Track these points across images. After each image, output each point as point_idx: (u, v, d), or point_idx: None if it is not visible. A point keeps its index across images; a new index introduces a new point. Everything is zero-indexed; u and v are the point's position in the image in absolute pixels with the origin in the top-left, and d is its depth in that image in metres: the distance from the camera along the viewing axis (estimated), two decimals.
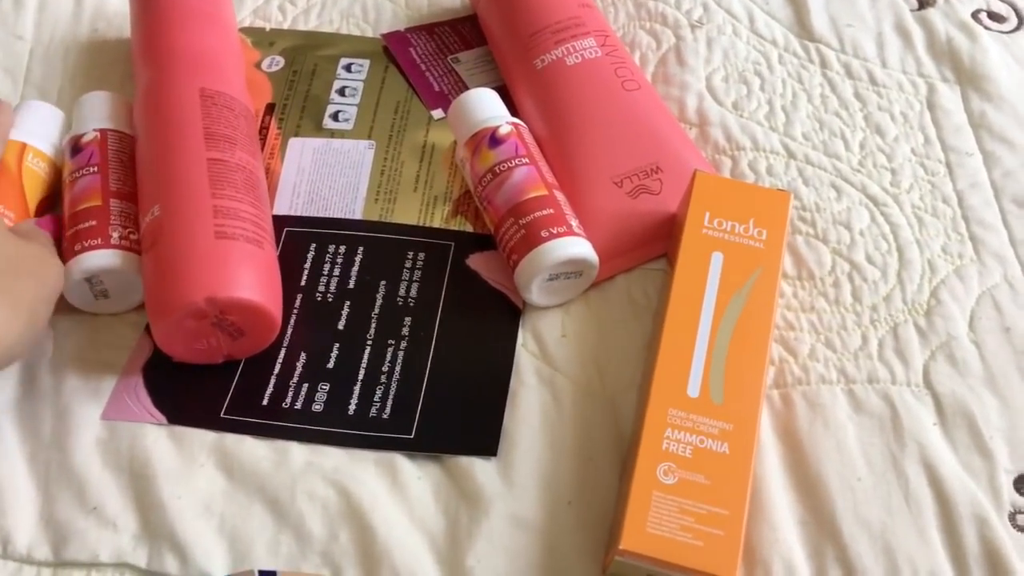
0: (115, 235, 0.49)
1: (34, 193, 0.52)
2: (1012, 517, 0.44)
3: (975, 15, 0.65)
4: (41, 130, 0.55)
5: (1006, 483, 0.45)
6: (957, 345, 0.49)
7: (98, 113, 0.54)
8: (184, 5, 0.57)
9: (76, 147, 0.53)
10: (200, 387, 0.48)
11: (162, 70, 0.54)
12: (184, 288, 0.44)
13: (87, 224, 0.49)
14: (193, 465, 0.45)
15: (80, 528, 0.43)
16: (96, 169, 0.51)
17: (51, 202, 0.54)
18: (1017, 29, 0.65)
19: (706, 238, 0.48)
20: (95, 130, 0.53)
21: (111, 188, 0.51)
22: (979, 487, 0.44)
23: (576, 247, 0.49)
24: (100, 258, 0.48)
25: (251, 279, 0.46)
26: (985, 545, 0.42)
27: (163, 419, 0.47)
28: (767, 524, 0.43)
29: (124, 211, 0.50)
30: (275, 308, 0.47)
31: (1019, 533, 0.43)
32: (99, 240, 0.49)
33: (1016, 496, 0.44)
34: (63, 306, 0.51)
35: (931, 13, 0.65)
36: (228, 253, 0.46)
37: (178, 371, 0.48)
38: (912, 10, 0.66)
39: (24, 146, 0.53)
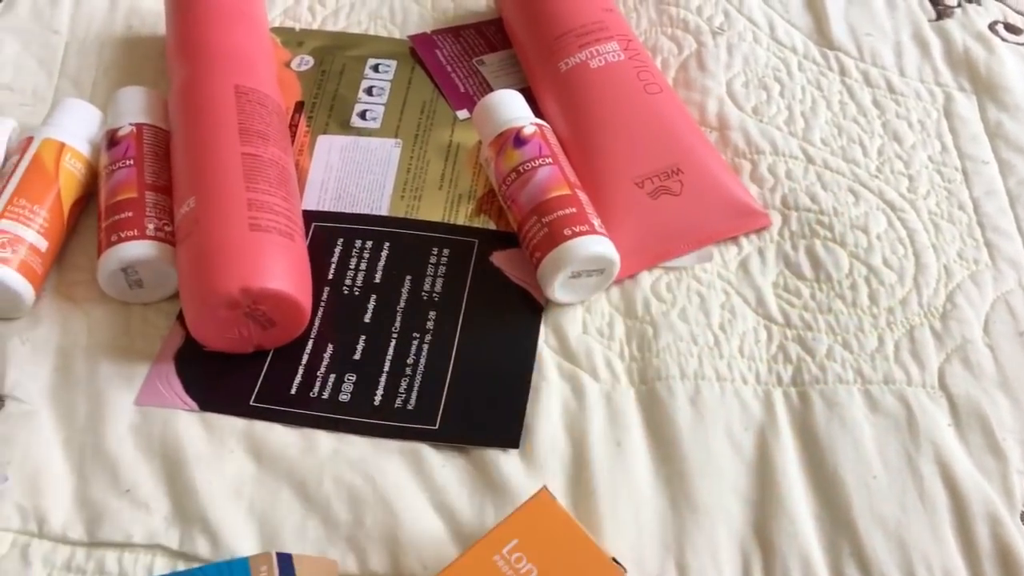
0: (151, 227, 0.50)
1: (70, 194, 0.53)
2: None
3: (992, 26, 0.66)
4: (79, 130, 0.56)
5: (1018, 483, 0.46)
6: (972, 348, 0.50)
7: (134, 107, 0.56)
8: (219, 4, 0.58)
9: (112, 141, 0.54)
10: (230, 375, 0.49)
11: (198, 67, 0.55)
12: (219, 278, 0.46)
13: (123, 215, 0.51)
14: (223, 450, 0.46)
15: (114, 509, 0.44)
16: (132, 162, 0.53)
17: (85, 202, 0.55)
18: None
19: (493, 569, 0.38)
20: (131, 124, 0.55)
21: (146, 181, 0.52)
22: (992, 487, 0.45)
23: (598, 245, 0.50)
24: (136, 249, 0.50)
25: (283, 271, 0.47)
26: (997, 543, 0.43)
27: (195, 406, 0.48)
28: (786, 516, 0.44)
29: (159, 203, 0.52)
30: (305, 300, 0.48)
31: None
32: (135, 231, 0.50)
33: None
34: (97, 296, 0.52)
35: (949, 24, 0.66)
36: (262, 245, 0.47)
37: (209, 360, 0.50)
38: (930, 20, 0.67)
39: (62, 146, 0.54)
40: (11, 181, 0.52)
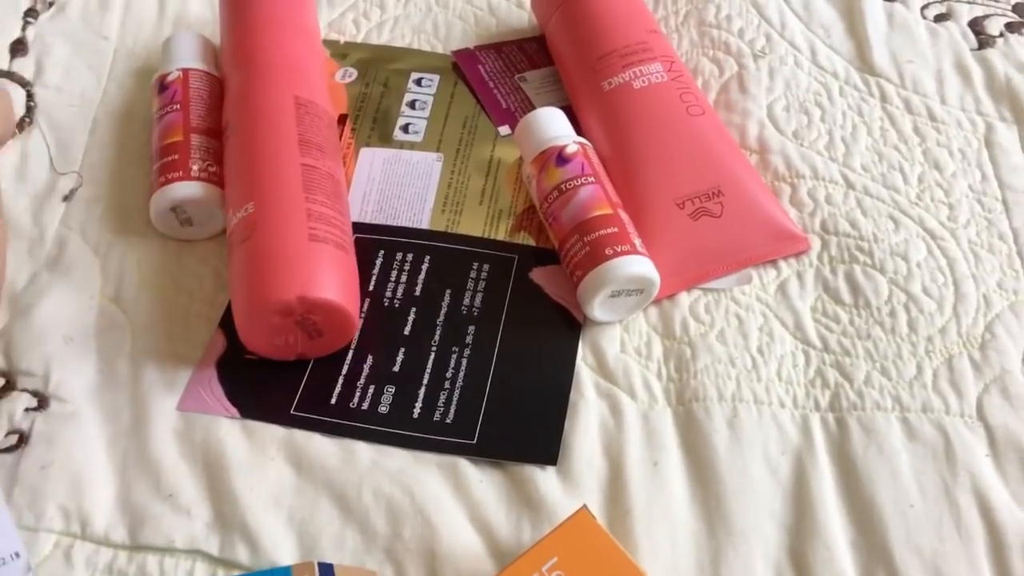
0: (195, 168, 0.54)
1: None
2: None
3: None
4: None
5: None
6: (1011, 379, 0.50)
7: (182, 53, 0.60)
8: (276, 14, 0.60)
9: (162, 86, 0.58)
10: (271, 384, 0.50)
11: (257, 75, 0.56)
12: (277, 284, 0.46)
13: (170, 158, 0.54)
14: (264, 458, 0.47)
15: (156, 514, 0.45)
16: (179, 107, 0.56)
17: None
18: None
19: None
20: (178, 69, 0.58)
21: (192, 124, 0.56)
22: None
23: (639, 266, 0.50)
24: (183, 189, 0.53)
25: (339, 282, 0.48)
26: None
27: (236, 413, 0.49)
28: (822, 543, 0.44)
29: (204, 145, 0.55)
30: (356, 312, 0.49)
31: None
32: (180, 172, 0.53)
33: None
34: (140, 300, 0.53)
35: (990, 53, 0.66)
36: (320, 255, 0.48)
37: (250, 367, 0.50)
38: (972, 49, 0.67)
39: None
40: None
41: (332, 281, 0.48)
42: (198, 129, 0.56)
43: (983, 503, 0.46)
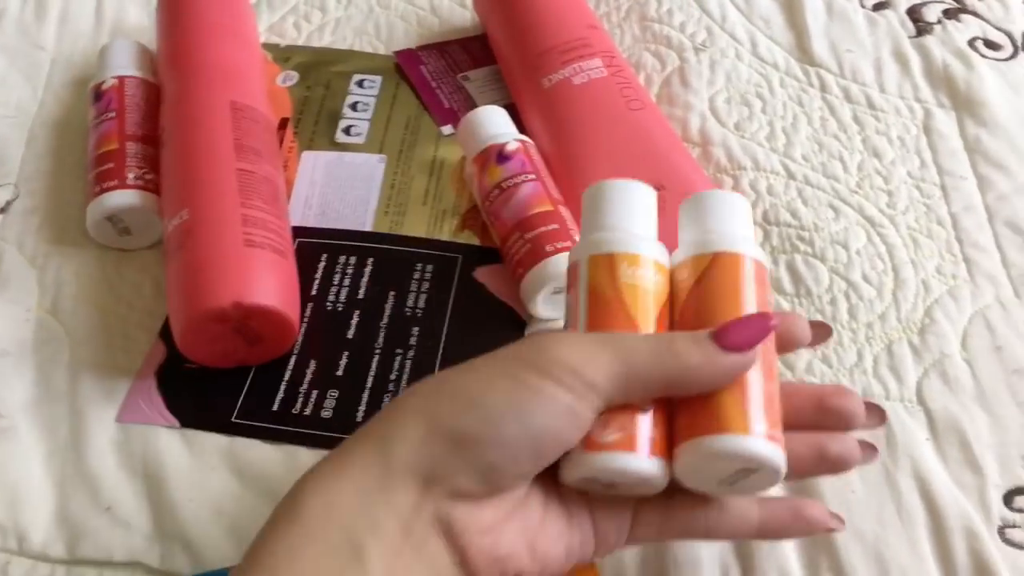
0: (131, 176, 0.53)
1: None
2: (1001, 531, 0.45)
3: (971, 43, 0.67)
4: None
5: (996, 498, 0.46)
6: (950, 363, 0.51)
7: (117, 61, 0.59)
8: (213, 20, 0.59)
9: (98, 94, 0.57)
10: (212, 392, 0.49)
11: (194, 81, 0.56)
12: (212, 292, 0.46)
13: (106, 167, 0.54)
14: (205, 468, 0.46)
15: (94, 527, 0.44)
16: (114, 115, 0.56)
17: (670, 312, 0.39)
18: (1012, 57, 0.66)
19: None
20: (114, 77, 0.58)
21: (128, 132, 0.55)
22: (970, 501, 0.46)
23: None
24: (119, 197, 0.53)
25: (276, 288, 0.47)
26: (975, 558, 0.44)
27: (176, 423, 0.48)
28: None
29: (140, 153, 0.55)
30: (295, 318, 0.49)
31: (1008, 547, 0.44)
32: (116, 181, 0.53)
33: (1005, 511, 0.46)
34: (78, 312, 0.52)
35: (928, 40, 0.67)
36: (256, 261, 0.48)
37: (191, 376, 0.50)
38: (910, 37, 0.67)
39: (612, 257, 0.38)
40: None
41: (269, 286, 0.47)
42: (134, 137, 0.55)
43: (924, 487, 0.46)
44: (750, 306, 0.36)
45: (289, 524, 0.32)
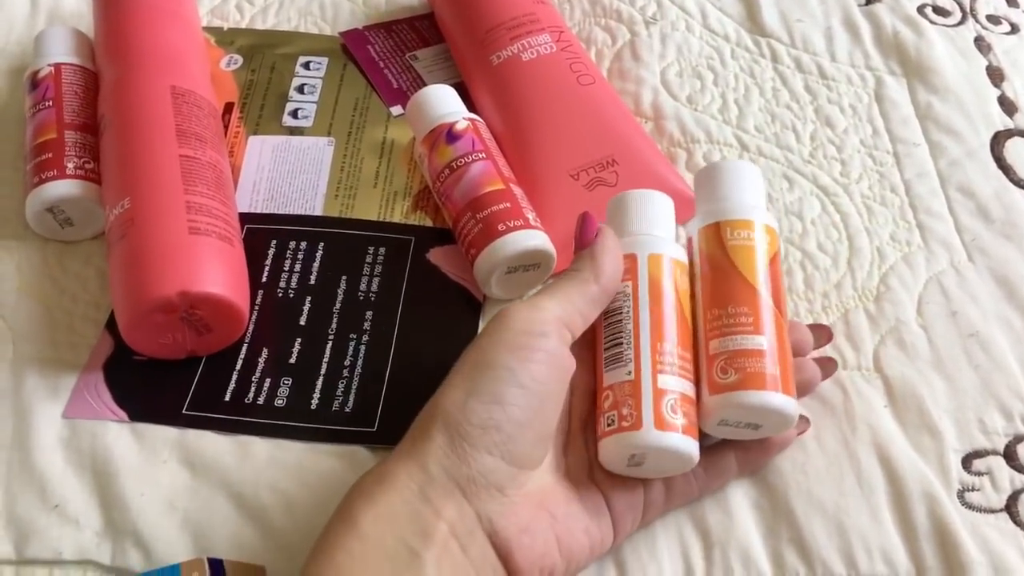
0: (70, 165, 0.52)
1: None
2: (960, 495, 0.45)
3: (920, 9, 0.67)
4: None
5: (954, 462, 0.46)
6: (906, 330, 0.51)
7: (53, 48, 0.57)
8: (152, 3, 0.58)
9: (34, 83, 0.56)
10: (162, 384, 0.48)
11: (132, 67, 0.54)
12: (156, 281, 0.45)
13: (45, 156, 0.52)
14: (156, 461, 0.45)
15: (42, 526, 0.43)
16: (51, 103, 0.54)
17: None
18: (961, 23, 0.67)
19: None
20: (50, 65, 0.56)
21: (66, 120, 0.54)
22: (928, 466, 0.46)
23: (533, 239, 0.50)
24: (58, 188, 0.51)
25: (223, 275, 0.46)
26: (935, 522, 0.44)
27: (125, 416, 0.47)
28: (721, 510, 0.44)
29: (80, 142, 0.53)
30: (244, 305, 0.48)
31: (967, 510, 0.45)
32: (55, 171, 0.51)
33: (964, 474, 0.46)
34: (20, 306, 0.51)
35: (878, 8, 0.67)
36: (201, 249, 0.46)
37: (139, 368, 0.48)
38: (860, 5, 0.67)
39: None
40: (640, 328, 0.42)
41: (215, 274, 0.46)
42: (72, 125, 0.53)
43: (883, 454, 0.46)
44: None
45: (346, 535, 0.35)
